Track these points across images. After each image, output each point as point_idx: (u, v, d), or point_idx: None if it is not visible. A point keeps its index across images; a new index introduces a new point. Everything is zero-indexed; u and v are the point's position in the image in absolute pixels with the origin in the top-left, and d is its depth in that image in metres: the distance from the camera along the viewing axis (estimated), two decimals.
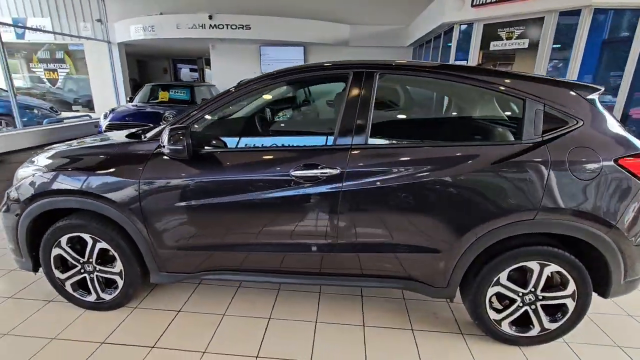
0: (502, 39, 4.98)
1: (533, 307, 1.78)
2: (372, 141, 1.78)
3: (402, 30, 8.53)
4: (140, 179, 1.81)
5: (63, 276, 2.04)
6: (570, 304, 1.75)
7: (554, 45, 4.47)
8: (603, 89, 1.82)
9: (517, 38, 4.81)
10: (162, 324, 2.02)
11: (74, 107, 10.52)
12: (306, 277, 1.94)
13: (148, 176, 1.81)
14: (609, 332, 2.06)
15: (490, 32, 5.08)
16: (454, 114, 2.14)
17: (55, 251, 1.99)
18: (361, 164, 1.73)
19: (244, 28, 8.08)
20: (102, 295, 2.05)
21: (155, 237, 1.89)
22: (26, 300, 2.19)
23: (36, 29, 9.39)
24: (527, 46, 4.75)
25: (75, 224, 1.93)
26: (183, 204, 1.83)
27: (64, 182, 1.88)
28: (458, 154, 1.72)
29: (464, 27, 5.42)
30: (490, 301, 1.84)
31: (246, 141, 2.05)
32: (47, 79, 10.60)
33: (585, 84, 1.83)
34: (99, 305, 2.07)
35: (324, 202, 1.75)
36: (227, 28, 8.06)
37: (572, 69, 4.42)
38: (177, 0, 8.71)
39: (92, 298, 2.07)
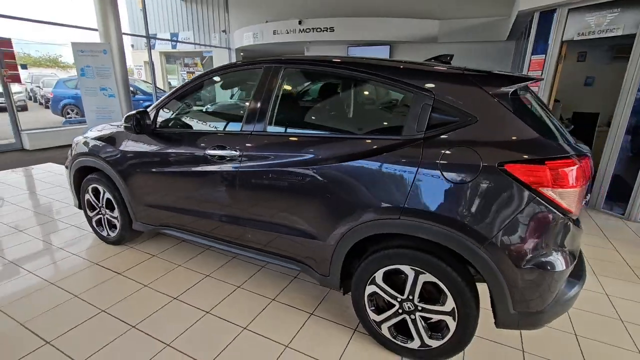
0: (589, 26, 4.01)
1: (412, 317, 1.69)
2: (271, 129, 1.97)
3: (501, 22, 7.54)
4: (122, 148, 2.47)
5: (91, 214, 2.90)
6: (451, 323, 1.59)
7: None
8: (531, 81, 1.56)
9: (608, 25, 3.81)
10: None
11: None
12: (226, 244, 2.26)
13: (126, 146, 2.45)
14: None
15: (576, 18, 4.14)
16: (348, 106, 2.09)
17: (86, 197, 2.85)
18: (256, 148, 1.96)
19: (328, 30, 8.57)
20: (110, 232, 2.82)
21: (130, 193, 2.53)
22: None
23: (181, 41, 12.03)
24: (622, 33, 3.72)
25: (93, 178, 2.74)
26: (141, 169, 2.41)
27: (85, 148, 2.69)
28: (337, 146, 1.76)
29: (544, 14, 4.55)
30: (370, 300, 1.80)
31: (193, 124, 2.48)
32: (188, 79, 13.56)
33: (505, 74, 1.60)
34: (105, 239, 2.87)
35: (227, 179, 2.05)
36: (313, 31, 8.70)
37: None
38: (280, 9, 9.80)
39: (104, 234, 2.87)
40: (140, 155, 2.42)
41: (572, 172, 1.38)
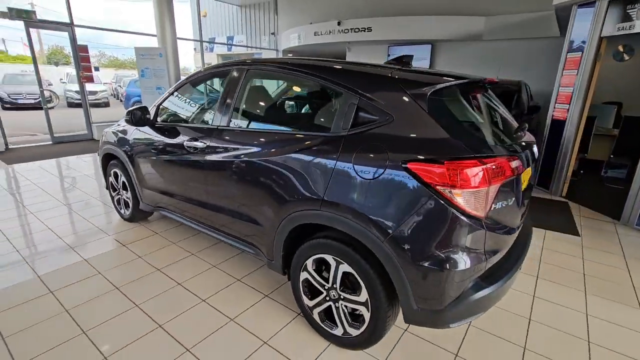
0: (630, 19, 3.55)
1: (337, 304, 1.81)
2: (231, 125, 2.20)
3: (552, 17, 6.88)
4: (130, 138, 2.90)
5: (113, 194, 3.42)
6: (365, 314, 1.69)
7: None
8: (449, 83, 1.58)
9: None
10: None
11: None
12: (201, 225, 2.56)
13: (133, 137, 2.88)
14: None
15: (617, 11, 3.69)
16: (292, 104, 2.19)
17: (110, 179, 3.37)
18: (217, 141, 2.21)
19: (366, 30, 8.57)
20: (125, 210, 3.31)
21: (136, 177, 2.95)
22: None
23: (233, 44, 12.90)
24: None
25: (114, 163, 3.23)
26: (142, 156, 2.81)
27: (110, 138, 3.18)
28: (275, 140, 1.93)
29: (583, 8, 4.10)
30: (304, 286, 1.94)
31: (182, 119, 2.80)
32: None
33: (428, 75, 1.63)
34: (122, 216, 3.36)
35: (198, 167, 2.34)
36: (351, 32, 8.76)
37: None
38: (325, 10, 10.03)
39: (122, 212, 3.36)
40: (141, 145, 2.82)
41: (473, 173, 1.38)
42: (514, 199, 1.60)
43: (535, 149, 2.01)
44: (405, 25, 8.31)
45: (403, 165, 1.46)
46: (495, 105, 1.99)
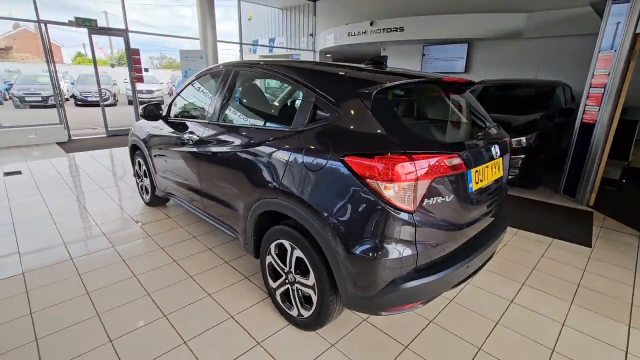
0: None
1: (293, 287, 1.97)
2: (217, 119, 2.44)
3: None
4: (148, 131, 3.28)
5: (137, 181, 3.86)
6: (314, 297, 1.84)
7: None
8: (395, 83, 1.68)
9: None
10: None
11: None
12: (197, 210, 2.84)
13: (150, 129, 3.26)
14: None
15: None
16: (265, 101, 2.34)
17: (135, 167, 3.81)
18: (207, 134, 2.47)
19: (398, 30, 8.47)
20: (145, 196, 3.73)
21: (152, 165, 3.33)
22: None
23: (273, 46, 13.40)
24: None
25: (137, 153, 3.66)
26: (156, 147, 3.16)
27: (135, 131, 3.61)
28: (248, 133, 2.14)
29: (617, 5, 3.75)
30: (270, 269, 2.13)
31: (187, 114, 3.09)
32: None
33: (380, 75, 1.74)
34: (144, 200, 3.78)
35: (193, 158, 2.61)
36: (384, 32, 8.72)
37: None
38: (362, 10, 10.08)
39: (144, 196, 3.79)
40: (155, 137, 3.19)
41: (401, 167, 1.45)
42: (453, 195, 1.63)
43: (503, 146, 1.99)
44: (439, 24, 8.11)
45: (341, 159, 1.57)
46: (464, 103, 2.00)
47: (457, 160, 1.60)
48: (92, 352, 1.80)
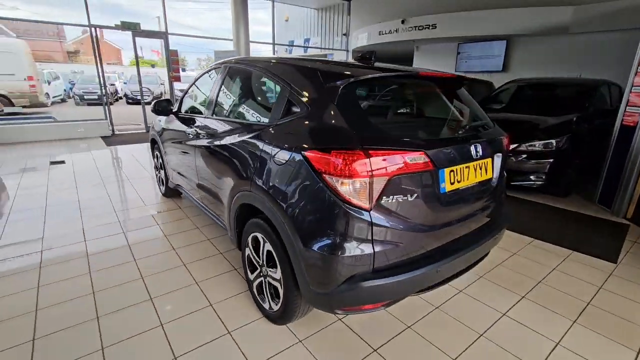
0: None
1: (266, 280, 2.01)
2: (214, 114, 2.54)
3: None
4: (162, 125, 3.49)
5: (156, 173, 4.11)
6: (280, 290, 1.85)
7: None
8: (359, 78, 1.66)
9: None
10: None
11: None
12: (199, 204, 2.97)
13: (163, 123, 3.46)
14: None
15: None
16: (254, 97, 2.35)
17: (153, 161, 4.07)
18: (202, 128, 2.57)
19: (430, 28, 8.16)
20: (161, 187, 3.96)
21: (165, 158, 3.53)
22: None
23: (306, 46, 13.54)
24: None
25: (155, 147, 3.90)
26: (167, 140, 3.35)
27: (155, 126, 3.84)
28: (231, 128, 2.22)
29: None
30: (248, 261, 2.18)
31: (193, 109, 3.22)
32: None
33: (351, 68, 1.72)
34: (161, 191, 4.02)
35: (192, 151, 2.74)
36: (415, 29, 8.44)
37: None
38: (397, 8, 9.87)
39: (161, 188, 4.03)
40: (166, 131, 3.37)
41: (356, 163, 1.41)
42: (420, 195, 1.55)
43: (494, 146, 1.86)
44: (475, 20, 7.71)
45: (302, 153, 1.57)
46: (447, 100, 1.90)
47: (422, 158, 1.52)
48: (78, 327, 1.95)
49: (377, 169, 1.43)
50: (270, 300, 1.96)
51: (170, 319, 2.04)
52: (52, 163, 5.47)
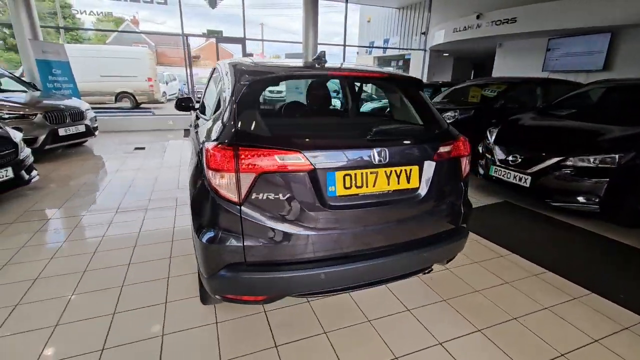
0: None
1: None
2: (203, 112, 2.83)
3: None
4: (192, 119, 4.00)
5: None
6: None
7: None
8: (261, 77, 1.76)
9: None
10: None
11: None
12: None
13: (192, 119, 3.96)
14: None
15: None
16: (211, 96, 2.45)
17: None
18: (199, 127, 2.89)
19: (509, 22, 7.17)
20: None
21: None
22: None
23: (381, 47, 13.26)
24: None
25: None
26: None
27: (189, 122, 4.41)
28: (199, 123, 2.44)
29: None
30: None
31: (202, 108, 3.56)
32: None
33: (264, 67, 1.82)
34: None
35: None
36: (492, 25, 7.53)
37: None
38: (474, 3, 9.01)
39: None
40: (192, 124, 3.84)
41: (224, 158, 1.49)
42: (299, 195, 1.52)
43: (410, 150, 1.70)
44: (562, 11, 6.53)
45: (201, 146, 1.70)
46: (360, 100, 1.79)
47: (297, 158, 1.50)
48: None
49: (246, 166, 1.47)
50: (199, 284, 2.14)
51: (129, 283, 2.40)
52: (136, 149, 6.68)
